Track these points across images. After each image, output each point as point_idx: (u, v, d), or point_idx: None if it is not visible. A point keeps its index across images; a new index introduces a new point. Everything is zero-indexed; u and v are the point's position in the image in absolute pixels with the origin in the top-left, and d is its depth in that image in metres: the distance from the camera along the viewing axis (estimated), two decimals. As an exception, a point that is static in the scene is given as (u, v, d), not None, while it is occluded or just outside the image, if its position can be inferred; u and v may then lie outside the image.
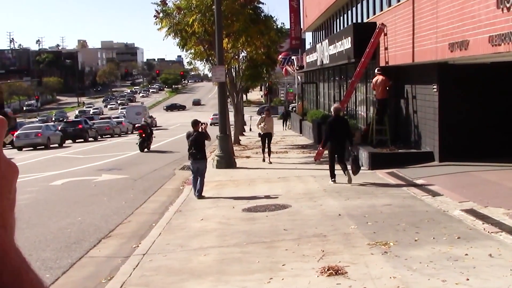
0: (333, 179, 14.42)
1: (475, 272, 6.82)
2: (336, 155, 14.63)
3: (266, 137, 20.81)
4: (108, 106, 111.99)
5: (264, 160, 20.70)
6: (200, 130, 14.00)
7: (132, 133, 55.00)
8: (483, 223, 9.19)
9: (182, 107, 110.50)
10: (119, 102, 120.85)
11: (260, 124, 20.95)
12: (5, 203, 0.95)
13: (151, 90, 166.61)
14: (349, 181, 14.07)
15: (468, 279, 6.56)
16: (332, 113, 15.49)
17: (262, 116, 21.61)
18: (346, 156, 14.81)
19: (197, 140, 13.84)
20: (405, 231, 9.03)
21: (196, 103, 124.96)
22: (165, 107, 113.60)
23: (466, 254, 7.54)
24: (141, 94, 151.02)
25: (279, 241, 9.04)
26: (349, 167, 14.34)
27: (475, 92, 15.62)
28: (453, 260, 7.31)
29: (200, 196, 13.51)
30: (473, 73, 15.37)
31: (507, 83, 15.50)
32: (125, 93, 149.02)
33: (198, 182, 13.61)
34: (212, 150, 25.84)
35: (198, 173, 13.64)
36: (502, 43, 10.93)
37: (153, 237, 10.04)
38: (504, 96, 15.58)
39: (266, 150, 20.79)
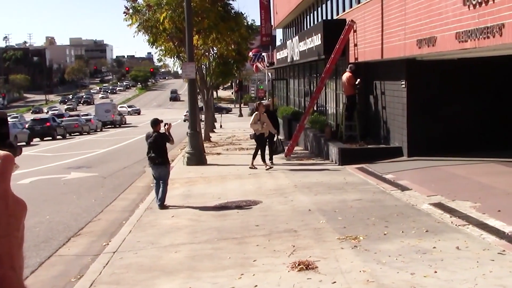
0: (269, 162, 17.49)
1: (443, 264, 6.93)
2: (266, 142, 17.87)
3: (268, 139, 17.58)
4: (65, 106, 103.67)
5: (267, 168, 16.90)
6: (161, 131, 12.45)
7: (101, 130, 54.58)
8: (450, 217, 9.34)
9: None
10: (77, 102, 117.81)
11: (256, 122, 17.27)
12: (14, 242, 0.91)
13: (118, 88, 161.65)
14: (271, 163, 17.56)
15: (436, 272, 6.67)
16: (266, 107, 19.42)
17: (256, 112, 17.64)
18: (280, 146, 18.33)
19: (156, 142, 12.19)
20: (374, 225, 9.13)
21: (174, 98, 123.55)
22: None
23: (434, 247, 7.66)
24: (101, 95, 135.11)
25: (250, 237, 9.07)
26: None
27: (443, 88, 15.83)
28: (422, 253, 7.42)
29: (162, 206, 11.99)
30: (441, 69, 15.56)
31: (474, 79, 15.74)
32: (83, 94, 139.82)
33: (160, 189, 12.11)
34: (183, 147, 25.79)
35: (161, 180, 12.22)
36: (468, 39, 11.10)
37: (124, 234, 9.98)
38: (471, 91, 15.82)
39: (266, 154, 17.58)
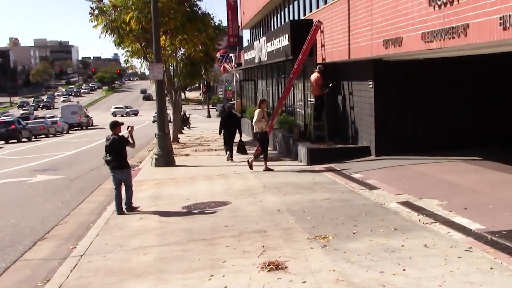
0: (229, 159, 19.41)
1: (411, 262, 6.99)
2: (228, 140, 19.72)
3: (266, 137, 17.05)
4: (21, 112, 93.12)
5: (267, 168, 16.33)
6: (125, 134, 12.24)
7: (67, 132, 53.89)
8: (418, 215, 9.43)
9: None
10: (36, 106, 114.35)
11: (260, 120, 16.54)
12: None
13: (82, 91, 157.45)
14: (228, 159, 19.43)
15: (404, 270, 6.72)
16: (227, 109, 21.93)
17: (259, 110, 16.72)
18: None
19: (113, 146, 11.74)
20: (343, 225, 9.17)
21: (147, 98, 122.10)
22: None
23: (403, 245, 7.72)
24: (62, 99, 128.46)
25: (219, 238, 9.03)
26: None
27: (410, 88, 16.00)
28: (390, 252, 7.47)
29: (129, 208, 11.77)
30: (408, 69, 15.72)
31: (441, 79, 15.94)
32: (44, 97, 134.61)
33: (124, 193, 11.89)
34: (151, 148, 25.62)
35: (125, 184, 11.91)
36: (434, 39, 11.23)
37: (91, 237, 9.86)
38: (437, 91, 16.01)
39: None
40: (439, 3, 10.90)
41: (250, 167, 16.53)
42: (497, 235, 7.81)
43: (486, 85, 16.13)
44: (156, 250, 8.66)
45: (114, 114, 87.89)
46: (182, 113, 43.18)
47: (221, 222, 10.14)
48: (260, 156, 16.87)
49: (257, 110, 16.72)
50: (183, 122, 50.91)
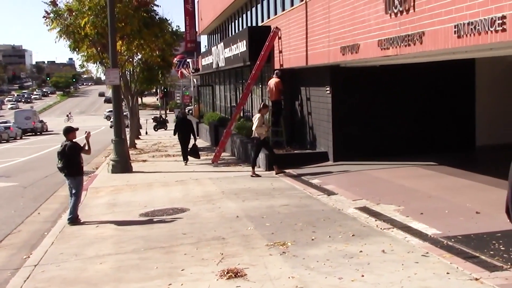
0: (185, 161, 20.52)
1: (370, 268, 7.03)
2: (183, 145, 20.75)
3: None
4: None
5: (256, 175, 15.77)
6: (81, 140, 11.71)
7: (21, 138, 52.77)
8: (376, 220, 9.51)
9: None
10: None
11: (261, 125, 16.03)
12: None
13: (33, 96, 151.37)
14: (185, 163, 20.36)
15: (363, 276, 6.75)
16: (181, 115, 22.96)
17: (259, 115, 16.23)
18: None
19: (64, 152, 11.27)
20: (302, 231, 9.18)
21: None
22: None
23: (361, 251, 7.76)
24: (10, 105, 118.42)
25: (178, 245, 8.93)
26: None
27: (367, 94, 16.17)
28: (349, 258, 7.50)
29: (72, 221, 11.16)
30: (365, 75, 15.88)
31: (396, 85, 16.15)
32: None
33: (71, 203, 11.36)
34: (107, 154, 25.27)
35: (74, 192, 11.35)
36: (390, 46, 11.37)
37: (45, 246, 9.63)
38: (394, 97, 16.22)
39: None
40: (395, 11, 11.05)
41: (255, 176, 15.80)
42: (452, 240, 7.93)
43: (440, 92, 16.42)
44: (113, 258, 8.51)
45: (108, 117, 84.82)
46: (158, 115, 42.98)
47: (179, 229, 10.04)
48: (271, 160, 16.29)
49: (258, 115, 16.19)
50: (161, 124, 50.74)
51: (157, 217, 11.27)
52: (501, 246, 7.41)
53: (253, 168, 16.05)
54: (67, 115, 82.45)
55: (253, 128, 16.16)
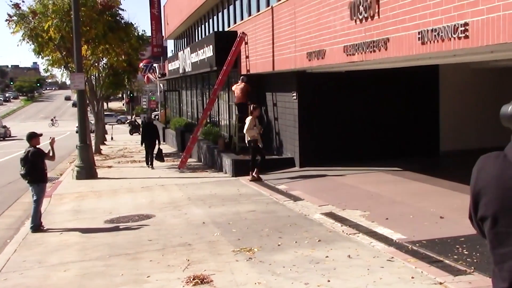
0: (149, 165, 21.24)
1: (336, 273, 7.05)
2: (148, 149, 21.48)
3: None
4: None
5: (256, 179, 15.38)
6: (46, 146, 11.56)
7: (-17, 144, 51.70)
8: (341, 226, 9.55)
9: None
10: None
11: (252, 128, 15.57)
12: None
13: None
14: (151, 167, 21.02)
15: (329, 281, 6.77)
16: (146, 120, 24.23)
17: (250, 117, 15.76)
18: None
19: (27, 158, 11.00)
20: (268, 236, 9.17)
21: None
22: None
23: (327, 256, 7.79)
24: None
25: (143, 252, 8.84)
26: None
27: (333, 99, 16.26)
28: (315, 263, 7.52)
29: (35, 229, 10.91)
30: (331, 81, 15.99)
31: (362, 90, 16.30)
32: None
33: (32, 209, 11.09)
34: (72, 160, 24.94)
35: (35, 199, 11.07)
36: (355, 52, 11.46)
37: (8, 254, 9.43)
38: (360, 103, 16.35)
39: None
40: (360, 17, 11.14)
41: (256, 180, 15.39)
42: (417, 244, 8.01)
43: (406, 98, 16.61)
44: (77, 266, 8.37)
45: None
46: (132, 119, 42.58)
47: (145, 235, 9.94)
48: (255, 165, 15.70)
49: (249, 118, 15.74)
50: (136, 128, 50.26)
51: (122, 224, 11.15)
52: (465, 250, 7.51)
53: (252, 172, 15.56)
54: (52, 120, 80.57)
55: (244, 130, 15.66)
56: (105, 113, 52.87)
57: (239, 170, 16.72)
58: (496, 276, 2.04)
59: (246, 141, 15.84)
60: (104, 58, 27.02)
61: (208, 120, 25.15)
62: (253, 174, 15.50)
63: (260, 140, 15.72)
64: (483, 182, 2.05)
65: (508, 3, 7.08)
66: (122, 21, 24.39)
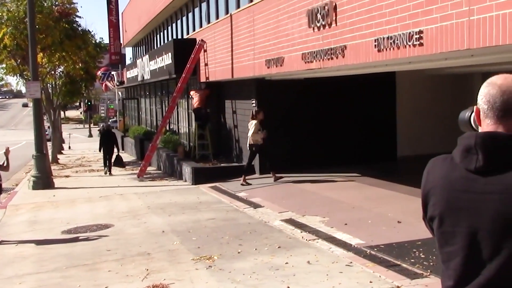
0: (107, 171, 21.92)
1: (295, 279, 7.07)
2: (106, 155, 22.15)
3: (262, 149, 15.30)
4: None
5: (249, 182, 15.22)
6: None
7: None
8: (301, 232, 9.60)
9: None
10: None
11: (257, 132, 14.98)
12: None
13: None
14: (106, 173, 21.81)
15: (289, 287, 6.79)
16: (105, 127, 24.97)
17: (255, 121, 15.02)
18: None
19: None
20: (228, 244, 9.15)
21: None
22: None
23: (287, 263, 7.81)
24: None
25: (101, 262, 8.72)
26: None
27: (292, 106, 16.35)
28: (275, 269, 7.53)
29: None
30: (290, 88, 16.07)
31: (321, 98, 16.43)
32: None
33: None
34: (28, 170, 24.48)
35: None
36: (314, 60, 11.56)
37: (-39, 267, 9.19)
38: (319, 109, 16.48)
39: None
40: (318, 25, 11.25)
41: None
42: (375, 249, 8.10)
43: (364, 104, 16.80)
44: (33, 278, 8.20)
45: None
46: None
47: (103, 245, 9.81)
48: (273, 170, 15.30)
49: (253, 122, 15.02)
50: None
51: (80, 234, 10.97)
52: (421, 254, 7.63)
53: (245, 176, 15.20)
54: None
55: (249, 134, 15.06)
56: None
57: (199, 178, 16.66)
58: (443, 274, 2.11)
59: (248, 145, 15.22)
60: (60, 66, 26.65)
61: (168, 128, 25.01)
62: (245, 178, 15.22)
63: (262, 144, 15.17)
64: (431, 184, 2.15)
65: (461, 11, 7.25)
66: (79, 29, 24.09)
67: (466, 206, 2.02)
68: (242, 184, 15.08)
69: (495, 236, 1.95)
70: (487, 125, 2.07)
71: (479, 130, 2.11)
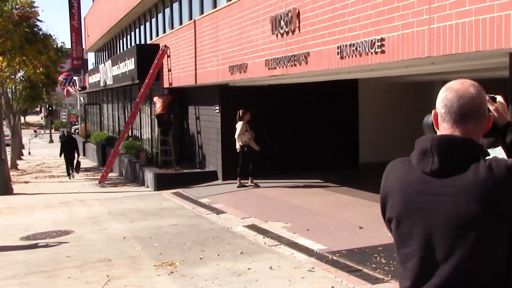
0: (70, 176, 22.30)
1: (258, 285, 7.06)
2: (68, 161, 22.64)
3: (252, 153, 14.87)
4: None
5: (246, 185, 14.92)
6: None
7: None
8: (264, 237, 9.60)
9: None
10: None
11: (243, 133, 14.68)
12: None
13: None
14: (71, 177, 22.17)
15: (251, 293, 6.78)
16: (66, 133, 26.15)
17: (241, 122, 14.75)
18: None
19: None
20: (191, 250, 9.10)
21: None
22: None
23: (249, 269, 7.79)
24: None
25: (61, 269, 8.56)
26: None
27: (256, 113, 16.27)
28: (237, 275, 7.50)
29: None
30: (254, 94, 16.06)
31: (286, 105, 16.46)
32: None
33: None
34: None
35: None
36: (277, 66, 11.61)
37: None
38: (282, 115, 16.51)
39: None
40: (281, 31, 11.31)
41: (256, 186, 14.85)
42: (337, 254, 8.14)
43: (328, 111, 16.89)
44: (-10, 285, 8.02)
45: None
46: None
47: (63, 252, 9.64)
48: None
49: (240, 123, 14.74)
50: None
51: (39, 240, 10.77)
52: (382, 259, 7.70)
53: (240, 178, 14.87)
54: (34, 131, 76.62)
55: (236, 136, 14.78)
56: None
57: (161, 183, 16.53)
58: (401, 275, 2.14)
59: (238, 147, 14.84)
60: (21, 70, 26.21)
61: (130, 134, 24.80)
62: (241, 180, 14.85)
63: (255, 145, 14.81)
64: (389, 186, 2.18)
65: (421, 19, 7.37)
66: (40, 33, 23.72)
67: (422, 208, 2.06)
68: (238, 187, 14.78)
69: (449, 237, 1.99)
70: (444, 129, 2.13)
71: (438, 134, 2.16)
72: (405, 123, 16.87)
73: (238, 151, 14.84)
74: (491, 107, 2.19)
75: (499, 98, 2.26)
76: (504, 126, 2.20)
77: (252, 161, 14.81)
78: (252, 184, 14.87)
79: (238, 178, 14.89)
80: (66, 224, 12.27)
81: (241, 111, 14.92)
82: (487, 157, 2.04)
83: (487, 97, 2.17)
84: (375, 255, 7.90)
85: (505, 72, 6.90)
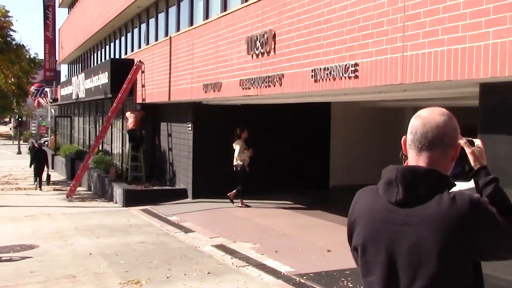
0: (37, 186, 22.35)
1: (224, 306, 7.00)
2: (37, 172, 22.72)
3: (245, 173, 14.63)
4: None
5: (239, 203, 14.77)
6: None
7: None
8: (232, 258, 9.54)
9: None
10: None
11: (243, 151, 14.50)
12: None
13: None
14: (36, 188, 22.23)
15: (217, 314, 6.71)
16: (37, 145, 26.25)
17: (239, 140, 14.58)
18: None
19: None
20: (157, 268, 8.99)
21: None
22: None
23: (216, 289, 7.73)
24: None
25: (23, 284, 8.39)
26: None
27: (228, 132, 16.26)
28: (204, 296, 7.43)
29: None
30: (227, 113, 16.05)
31: (258, 125, 16.43)
32: None
33: None
34: (-50, 186, 23.50)
35: None
36: (251, 86, 11.62)
37: None
38: (254, 137, 16.47)
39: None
40: (257, 52, 11.35)
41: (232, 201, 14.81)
42: (305, 277, 8.12)
43: (299, 133, 16.94)
44: (-51, 299, 7.82)
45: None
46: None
47: (26, 267, 9.45)
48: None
49: (239, 141, 14.51)
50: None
51: (2, 254, 10.54)
52: (349, 283, 7.70)
53: (242, 198, 14.75)
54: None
55: (235, 155, 14.51)
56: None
57: (130, 200, 16.38)
58: None
59: (234, 165, 14.58)
60: (-9, 80, 25.86)
61: (101, 148, 24.57)
62: (243, 201, 14.78)
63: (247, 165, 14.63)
64: (356, 214, 2.20)
65: (395, 47, 7.46)
66: (13, 43, 23.51)
67: (386, 237, 2.07)
68: (240, 207, 14.63)
69: (412, 267, 2.01)
70: (410, 156, 2.16)
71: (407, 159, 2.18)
72: (376, 147, 17.03)
73: (237, 170, 14.59)
74: (468, 150, 2.20)
75: (478, 142, 2.26)
76: (477, 169, 2.21)
77: (242, 182, 14.63)
78: (242, 205, 14.72)
79: (240, 200, 14.75)
80: (31, 238, 12.04)
81: (238, 129, 14.68)
82: (452, 189, 2.05)
83: (465, 140, 2.19)
84: (342, 279, 7.90)
85: (475, 101, 7.00)
